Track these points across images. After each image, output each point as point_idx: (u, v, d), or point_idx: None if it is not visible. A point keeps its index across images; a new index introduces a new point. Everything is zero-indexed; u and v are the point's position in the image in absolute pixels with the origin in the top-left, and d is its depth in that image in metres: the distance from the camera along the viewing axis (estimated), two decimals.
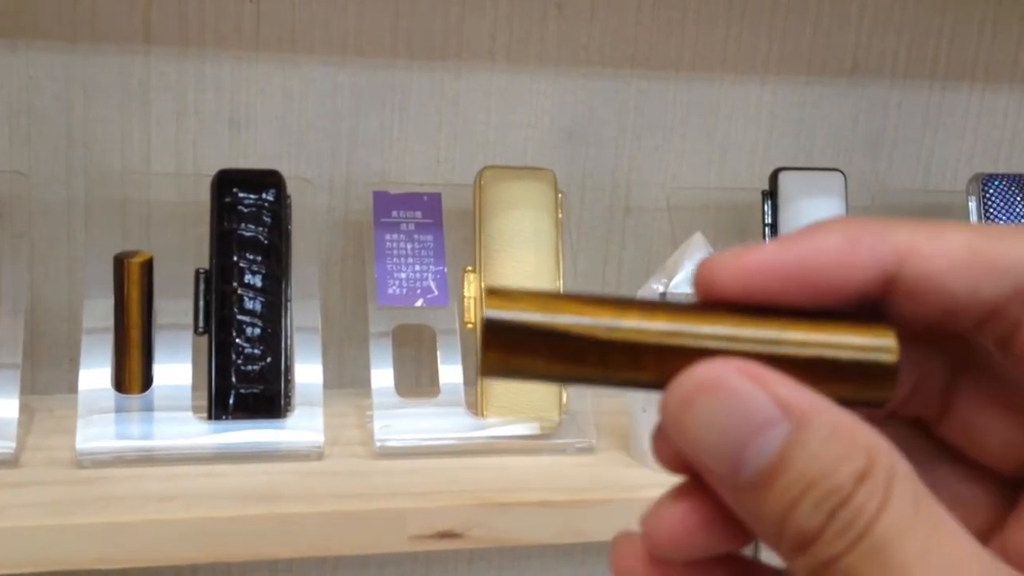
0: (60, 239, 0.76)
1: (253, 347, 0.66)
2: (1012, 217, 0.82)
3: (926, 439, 0.26)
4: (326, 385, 0.69)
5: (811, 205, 0.78)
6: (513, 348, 0.22)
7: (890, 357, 0.22)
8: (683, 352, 0.22)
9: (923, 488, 0.21)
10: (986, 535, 0.25)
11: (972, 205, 0.83)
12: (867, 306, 0.23)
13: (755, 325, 0.22)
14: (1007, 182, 0.83)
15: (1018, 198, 0.83)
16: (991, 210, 0.82)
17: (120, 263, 0.65)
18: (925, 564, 0.20)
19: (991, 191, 0.82)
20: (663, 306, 0.23)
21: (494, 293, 0.22)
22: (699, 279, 0.23)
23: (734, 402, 0.21)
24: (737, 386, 0.21)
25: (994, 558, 0.21)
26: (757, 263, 0.23)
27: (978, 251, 0.22)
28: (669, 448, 0.23)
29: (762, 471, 0.21)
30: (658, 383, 0.22)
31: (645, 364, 0.22)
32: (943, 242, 0.22)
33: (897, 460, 0.21)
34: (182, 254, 0.70)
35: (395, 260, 0.73)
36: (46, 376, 0.77)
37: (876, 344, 0.22)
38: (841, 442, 0.21)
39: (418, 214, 0.74)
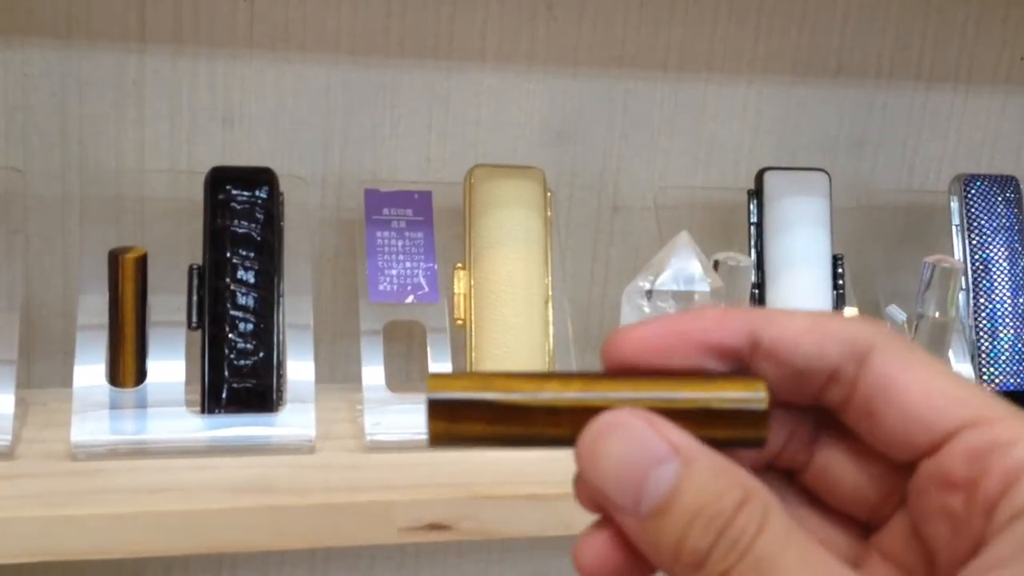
0: (55, 235, 0.76)
1: (246, 342, 0.67)
2: (993, 216, 0.83)
3: (795, 488, 0.29)
4: (317, 380, 0.70)
5: (796, 204, 0.80)
6: (453, 419, 0.27)
7: (761, 404, 0.27)
8: (592, 410, 0.26)
9: (793, 521, 0.25)
10: None
11: (954, 205, 0.84)
12: (741, 369, 0.27)
13: (649, 385, 0.27)
14: (989, 183, 0.84)
15: (999, 198, 0.84)
16: (973, 210, 0.83)
17: (115, 258, 0.66)
18: (816, 554, 0.24)
19: (973, 191, 0.84)
20: (577, 376, 0.27)
21: (435, 377, 0.27)
22: (605, 350, 0.28)
23: (632, 441, 0.25)
24: (635, 427, 0.25)
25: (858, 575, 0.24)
26: (650, 331, 0.27)
27: (820, 323, 0.27)
28: (586, 490, 0.27)
29: (659, 501, 0.25)
30: (574, 439, 0.26)
31: (561, 423, 0.26)
32: (793, 316, 0.27)
33: (769, 496, 0.25)
34: (175, 250, 0.71)
35: (386, 257, 0.74)
36: (41, 370, 0.78)
37: (749, 396, 0.27)
38: (722, 478, 0.25)
39: (409, 212, 0.75)
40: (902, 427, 0.26)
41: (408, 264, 0.74)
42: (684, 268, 0.69)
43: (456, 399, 0.27)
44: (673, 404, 0.26)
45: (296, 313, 0.70)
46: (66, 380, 0.75)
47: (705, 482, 0.25)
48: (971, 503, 0.24)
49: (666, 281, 0.69)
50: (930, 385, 0.26)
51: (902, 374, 0.26)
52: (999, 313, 0.82)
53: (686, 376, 0.27)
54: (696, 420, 0.26)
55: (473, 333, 0.72)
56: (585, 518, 0.69)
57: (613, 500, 0.25)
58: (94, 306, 0.68)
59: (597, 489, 0.25)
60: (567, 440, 0.26)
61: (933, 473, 0.25)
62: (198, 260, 0.69)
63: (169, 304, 0.69)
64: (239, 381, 0.67)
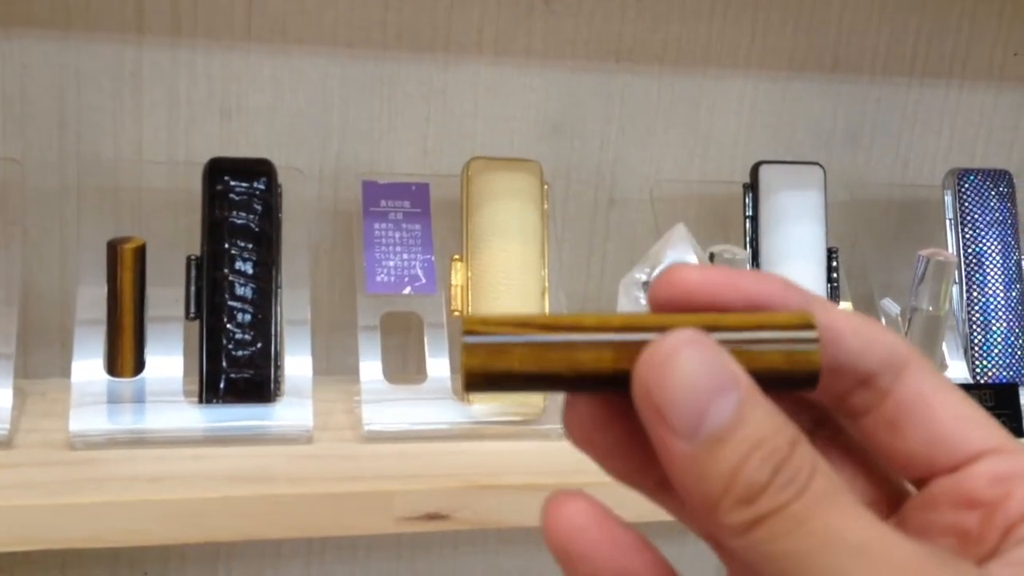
0: (52, 226, 0.77)
1: (244, 333, 0.67)
2: (986, 211, 0.84)
3: None
4: (314, 371, 0.70)
5: (791, 198, 0.80)
6: (489, 361, 0.25)
7: (814, 343, 0.25)
8: (638, 344, 0.25)
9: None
10: None
11: (948, 199, 0.85)
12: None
13: (697, 318, 0.25)
14: (982, 177, 0.85)
15: (992, 193, 0.85)
16: (966, 204, 0.84)
17: (113, 249, 0.66)
18: (864, 509, 0.24)
19: (966, 186, 0.84)
20: (616, 315, 0.26)
21: (470, 319, 0.25)
22: (657, 284, 0.26)
23: (703, 362, 0.24)
24: (707, 348, 0.24)
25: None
26: (709, 276, 0.26)
27: (868, 324, 0.27)
28: (581, 421, 0.26)
29: (720, 428, 0.23)
30: (618, 375, 0.25)
31: (605, 355, 0.25)
32: (845, 311, 0.27)
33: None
34: (173, 241, 0.71)
35: (383, 249, 0.74)
36: (38, 360, 0.78)
37: (801, 334, 0.25)
38: (776, 415, 0.24)
39: (406, 203, 0.76)
40: (926, 443, 0.26)
41: (405, 256, 0.74)
42: (680, 260, 0.70)
43: (493, 341, 0.25)
44: (720, 336, 0.25)
45: (293, 304, 0.71)
46: (63, 370, 0.75)
47: (764, 416, 0.24)
48: (989, 522, 0.25)
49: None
50: (959, 409, 0.26)
51: (934, 393, 0.26)
52: (992, 306, 0.82)
53: (733, 314, 0.26)
54: (747, 356, 0.25)
55: None
56: None
57: (672, 422, 0.24)
58: (92, 297, 0.68)
59: (656, 410, 0.24)
60: (611, 374, 0.25)
61: (950, 491, 0.26)
62: (195, 252, 0.69)
63: (166, 295, 0.69)
64: (237, 371, 0.67)
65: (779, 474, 0.23)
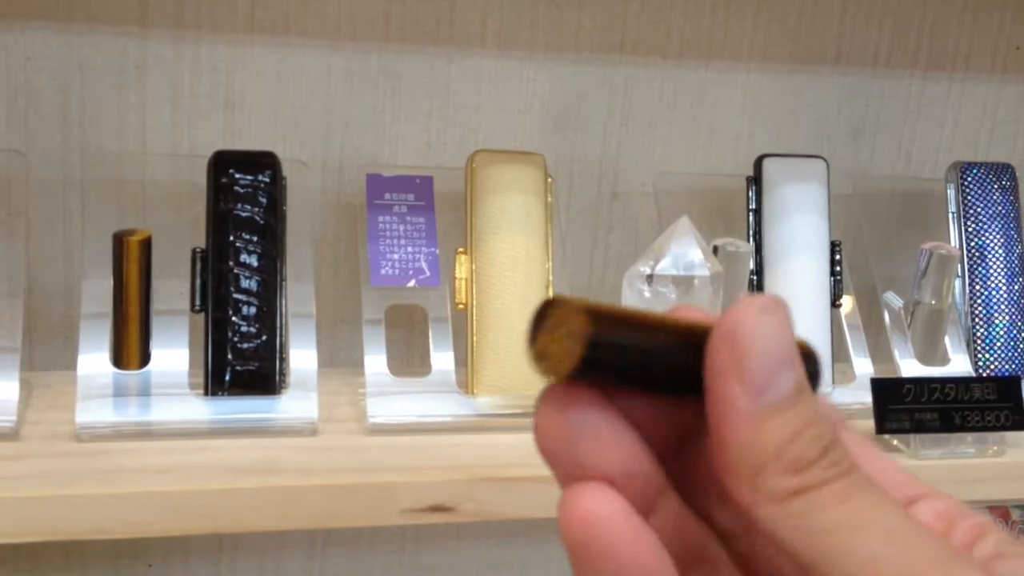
0: (56, 218, 0.77)
1: (249, 325, 0.67)
2: (989, 204, 0.84)
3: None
4: (319, 364, 0.70)
5: (794, 191, 0.80)
6: (606, 329, 0.24)
7: (814, 351, 0.28)
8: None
9: None
10: None
11: (951, 193, 0.85)
12: None
13: None
14: (985, 171, 0.85)
15: (995, 186, 0.85)
16: (969, 198, 0.84)
17: (119, 241, 0.66)
18: (897, 505, 0.25)
19: (969, 179, 0.84)
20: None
21: (586, 311, 0.24)
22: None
23: (784, 331, 0.25)
24: (788, 321, 0.25)
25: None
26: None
27: None
28: (552, 437, 0.25)
29: (783, 398, 0.24)
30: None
31: (698, 331, 0.25)
32: None
33: None
34: (177, 234, 0.71)
35: (388, 241, 0.74)
36: (42, 353, 0.78)
37: (803, 343, 0.27)
38: (821, 407, 0.26)
39: (411, 196, 0.76)
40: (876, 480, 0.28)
41: (410, 248, 0.74)
42: (684, 253, 0.70)
43: (608, 314, 0.24)
44: None
45: (298, 297, 0.71)
46: (68, 363, 0.75)
47: (814, 403, 0.25)
48: None
49: (666, 266, 0.70)
50: (891, 461, 0.29)
51: (869, 447, 0.29)
52: (994, 300, 0.83)
53: None
54: None
55: (474, 317, 0.73)
56: None
57: (746, 376, 0.24)
58: (97, 289, 0.68)
59: (736, 359, 0.24)
60: (699, 346, 0.25)
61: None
62: (199, 244, 0.69)
63: (170, 287, 0.69)
64: (242, 364, 0.67)
65: (827, 454, 0.24)
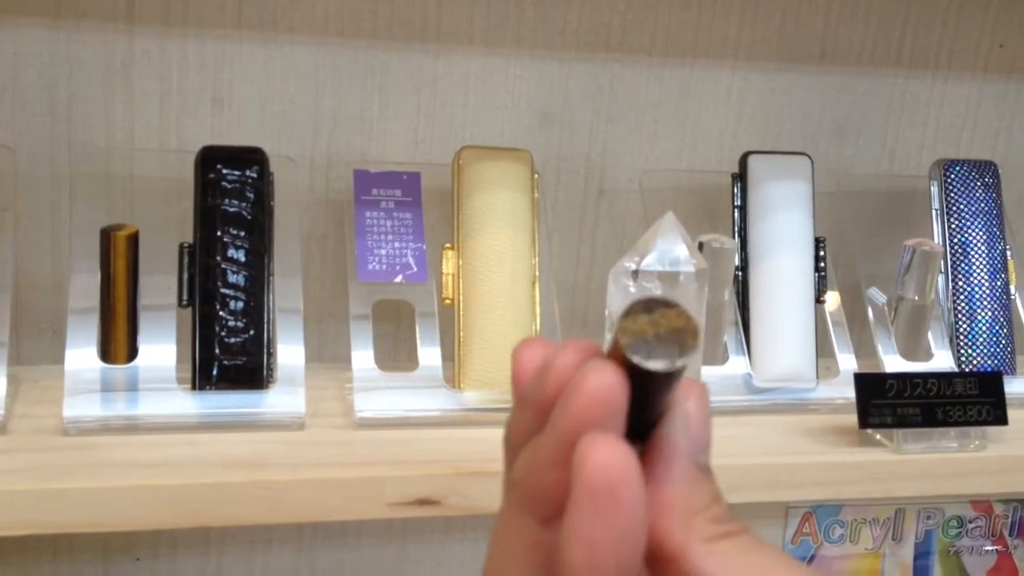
0: (44, 213, 0.77)
1: (236, 320, 0.68)
2: (972, 201, 0.85)
3: None
4: (306, 359, 0.71)
5: (779, 188, 0.81)
6: None
7: None
8: None
9: None
10: None
11: (934, 190, 0.86)
12: None
13: None
14: (968, 168, 0.86)
15: (978, 183, 0.85)
16: (952, 195, 0.85)
17: (107, 236, 0.67)
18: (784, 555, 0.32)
19: (952, 177, 0.85)
20: None
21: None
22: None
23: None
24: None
25: None
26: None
27: None
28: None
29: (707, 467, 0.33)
30: None
31: None
32: None
33: None
34: (164, 229, 0.72)
35: (375, 237, 0.75)
36: (29, 347, 0.78)
37: None
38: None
39: (398, 192, 0.76)
40: None
41: (397, 244, 0.75)
42: (670, 249, 0.70)
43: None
44: None
45: (285, 292, 0.71)
46: (55, 357, 0.76)
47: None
48: None
49: (652, 262, 0.70)
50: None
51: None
52: (977, 296, 0.83)
53: None
54: None
55: (461, 313, 0.73)
56: None
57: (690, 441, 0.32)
58: (84, 284, 0.68)
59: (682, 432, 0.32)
60: None
61: None
62: (186, 239, 0.69)
63: (157, 282, 0.69)
64: (229, 358, 0.68)
65: (731, 520, 0.31)
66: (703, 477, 0.31)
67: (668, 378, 0.29)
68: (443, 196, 0.77)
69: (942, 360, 0.81)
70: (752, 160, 0.82)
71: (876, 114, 0.92)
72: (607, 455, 0.27)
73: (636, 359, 0.28)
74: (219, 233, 0.68)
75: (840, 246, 0.87)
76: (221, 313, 0.68)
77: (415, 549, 0.90)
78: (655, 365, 0.28)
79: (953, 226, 0.84)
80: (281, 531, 0.87)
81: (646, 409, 0.30)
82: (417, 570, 0.91)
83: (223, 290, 0.68)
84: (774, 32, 0.88)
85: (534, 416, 0.31)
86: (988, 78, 0.93)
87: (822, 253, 0.81)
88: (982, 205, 0.85)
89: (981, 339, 0.83)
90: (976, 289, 0.83)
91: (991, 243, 0.84)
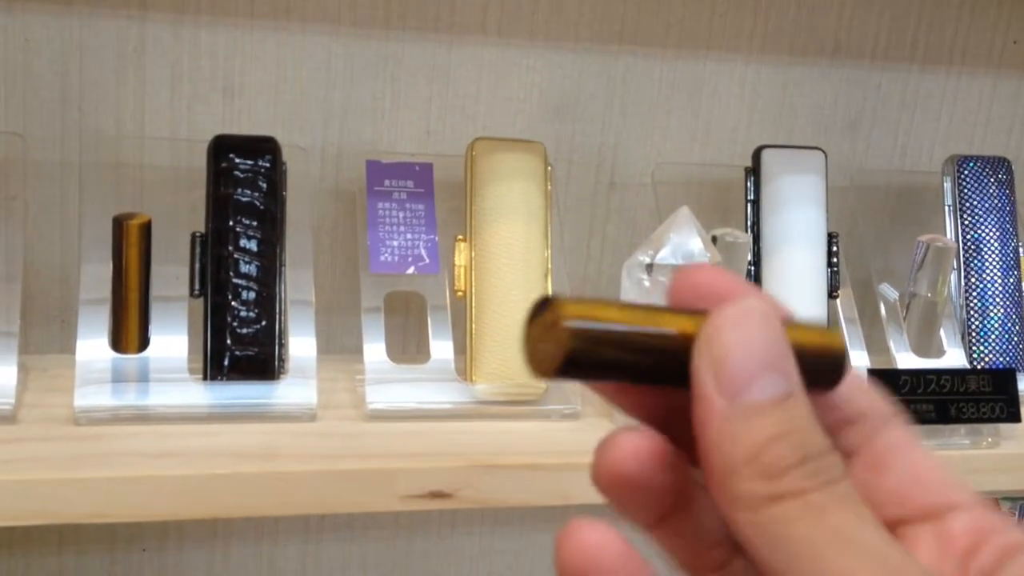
0: (53, 201, 0.76)
1: (248, 310, 0.67)
2: (985, 198, 0.84)
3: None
4: (317, 350, 0.70)
5: (793, 183, 0.81)
6: (588, 346, 0.24)
7: (840, 346, 0.27)
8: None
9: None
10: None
11: (947, 186, 0.85)
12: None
13: None
14: (981, 164, 0.85)
15: (991, 180, 0.85)
16: (965, 191, 0.85)
17: (119, 225, 0.66)
18: (882, 526, 0.24)
19: (965, 172, 0.85)
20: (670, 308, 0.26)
21: (563, 303, 0.25)
22: (678, 278, 0.27)
23: (771, 336, 0.25)
24: (777, 327, 0.25)
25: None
26: (720, 283, 0.27)
27: (858, 374, 0.28)
28: (609, 467, 0.26)
29: (764, 400, 0.24)
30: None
31: (686, 322, 0.25)
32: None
33: None
34: (175, 218, 0.71)
35: (387, 228, 0.74)
36: (38, 336, 0.78)
37: (829, 339, 0.27)
38: (815, 421, 0.25)
39: (410, 183, 0.76)
40: (908, 486, 0.27)
41: (409, 236, 0.74)
42: (684, 243, 0.70)
43: (593, 326, 0.24)
44: None
45: (297, 283, 0.71)
46: (64, 346, 0.75)
47: (805, 413, 0.24)
48: (963, 569, 0.26)
49: (666, 255, 0.70)
50: (938, 465, 0.28)
51: (914, 446, 0.28)
52: (989, 293, 0.83)
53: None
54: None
55: (473, 305, 0.73)
56: (583, 488, 0.70)
57: (721, 375, 0.24)
58: (95, 273, 0.68)
59: (712, 362, 0.24)
60: (688, 336, 0.25)
61: (924, 537, 0.27)
62: (197, 229, 0.69)
63: (168, 272, 0.69)
64: (241, 349, 0.67)
65: (808, 462, 0.23)
66: (745, 417, 0.23)
67: (584, 371, 0.25)
68: (455, 187, 0.77)
69: (954, 357, 0.81)
70: (766, 154, 0.81)
71: (889, 109, 0.91)
72: (563, 545, 0.26)
73: None
74: (231, 223, 0.68)
75: (852, 241, 0.86)
76: (233, 303, 0.67)
77: (422, 542, 0.90)
78: (546, 374, 0.25)
79: (966, 222, 0.84)
80: (288, 523, 0.86)
81: (646, 379, 0.26)
82: (424, 563, 0.91)
83: (235, 280, 0.67)
84: (788, 26, 0.87)
85: None
86: (1002, 74, 0.93)
87: (835, 248, 0.81)
88: (995, 201, 0.85)
89: (993, 336, 0.83)
90: (988, 286, 0.83)
91: (1004, 240, 0.84)
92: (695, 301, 0.26)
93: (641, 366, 0.25)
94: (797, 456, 0.23)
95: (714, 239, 0.75)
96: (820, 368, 0.26)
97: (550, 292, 0.74)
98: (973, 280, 0.83)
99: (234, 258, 0.68)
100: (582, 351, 0.24)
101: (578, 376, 0.25)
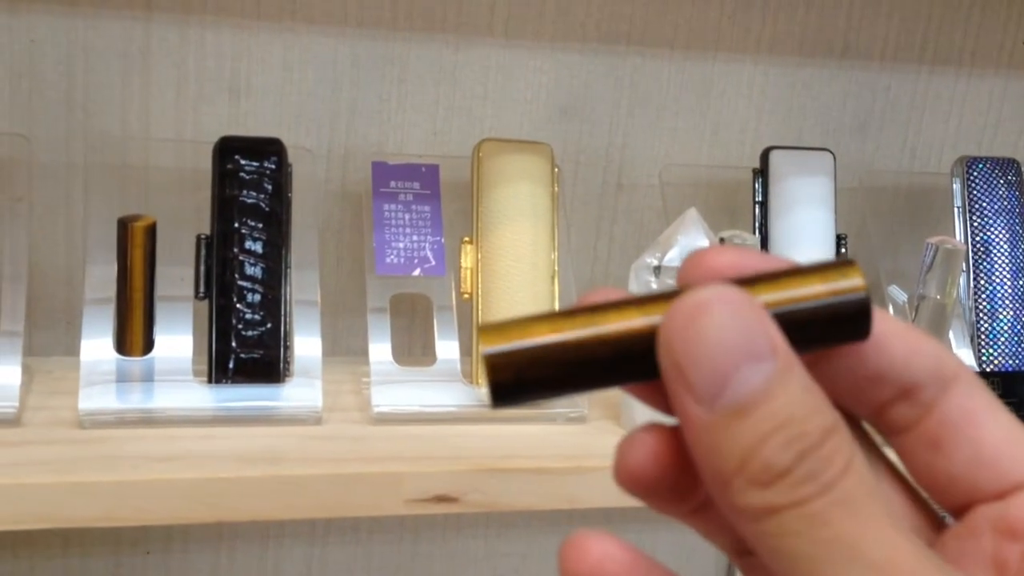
0: (58, 203, 0.76)
1: (253, 312, 0.67)
2: (995, 199, 0.84)
3: None
4: (322, 353, 0.70)
5: (801, 184, 0.80)
6: (517, 370, 0.23)
7: (860, 292, 0.23)
8: (669, 299, 0.22)
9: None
10: None
11: (956, 188, 0.85)
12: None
13: (727, 280, 0.23)
14: (990, 166, 0.85)
15: (1001, 181, 0.84)
16: (974, 193, 0.84)
17: (124, 226, 0.66)
18: (894, 523, 0.21)
19: (975, 174, 0.84)
20: (634, 298, 0.23)
21: (487, 328, 0.23)
22: (686, 267, 0.25)
23: (736, 323, 0.21)
24: (743, 309, 0.21)
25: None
26: (742, 261, 0.24)
27: (912, 332, 0.24)
28: (632, 464, 0.24)
29: (743, 400, 0.21)
30: (650, 337, 0.22)
31: (632, 317, 0.23)
32: (887, 316, 0.24)
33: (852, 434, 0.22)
34: (180, 220, 0.71)
35: (393, 230, 0.74)
36: (43, 338, 0.77)
37: (844, 284, 0.23)
38: (813, 396, 0.21)
39: (416, 185, 0.75)
40: (971, 465, 0.24)
41: (415, 237, 0.74)
42: (692, 245, 0.70)
43: (517, 348, 0.22)
44: (762, 292, 0.22)
45: (302, 285, 0.70)
46: (69, 348, 0.75)
47: (798, 393, 0.21)
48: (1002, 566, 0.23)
49: (674, 257, 0.69)
50: (1009, 431, 0.24)
51: (983, 412, 0.24)
52: (999, 295, 0.82)
53: (762, 273, 0.23)
54: (788, 318, 0.22)
55: (479, 307, 0.72)
56: (589, 492, 0.69)
57: (692, 383, 0.21)
58: (100, 274, 0.67)
59: (677, 367, 0.21)
60: (643, 336, 0.22)
61: (992, 519, 0.24)
62: (202, 230, 0.69)
63: (173, 274, 0.69)
64: (246, 351, 0.67)
65: (803, 463, 0.21)
66: (728, 420, 0.21)
67: (528, 394, 0.24)
68: (461, 189, 0.76)
69: (963, 359, 0.80)
70: (774, 155, 0.81)
71: (898, 110, 0.91)
72: (567, 560, 0.24)
73: None
74: (237, 225, 0.68)
75: (860, 243, 0.86)
76: (238, 305, 0.67)
77: (427, 545, 0.90)
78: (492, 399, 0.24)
79: (975, 224, 0.83)
80: (293, 526, 0.86)
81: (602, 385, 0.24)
82: (429, 567, 0.90)
83: (240, 282, 0.67)
84: (797, 27, 0.87)
85: None
86: (1012, 75, 0.92)
87: (843, 250, 0.80)
88: (1005, 203, 0.84)
89: (1003, 338, 0.82)
90: (998, 288, 0.83)
91: (1013, 242, 0.83)
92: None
93: (591, 374, 0.23)
94: (791, 455, 0.21)
95: (722, 241, 0.74)
96: (835, 319, 0.23)
97: (554, 295, 0.74)
98: (983, 282, 0.83)
99: (239, 260, 0.67)
100: (510, 378, 0.22)
101: (524, 398, 0.23)
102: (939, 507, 0.26)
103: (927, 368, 0.24)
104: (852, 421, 0.26)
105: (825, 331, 0.23)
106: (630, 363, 0.23)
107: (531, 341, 0.23)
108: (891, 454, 0.26)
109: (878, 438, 0.26)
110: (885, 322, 0.24)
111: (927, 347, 0.24)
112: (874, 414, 0.25)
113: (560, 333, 0.23)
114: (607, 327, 0.23)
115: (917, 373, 0.24)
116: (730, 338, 0.21)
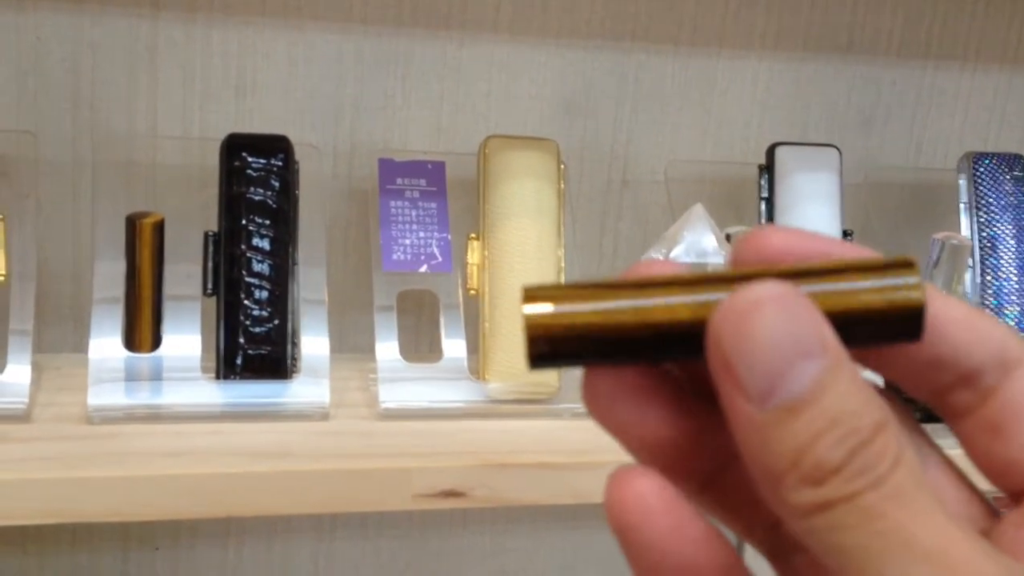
0: (65, 200, 0.76)
1: (261, 309, 0.67)
2: (1001, 195, 0.84)
3: None
4: (329, 349, 0.70)
5: (807, 180, 0.80)
6: (555, 335, 0.23)
7: (915, 292, 0.23)
8: (718, 285, 0.22)
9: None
10: None
11: (962, 183, 0.85)
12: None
13: (784, 268, 0.23)
14: (997, 161, 0.85)
15: (1007, 177, 0.84)
16: (980, 188, 0.84)
17: (132, 224, 0.66)
18: (947, 514, 0.21)
19: (981, 169, 0.84)
20: (687, 275, 0.23)
21: (529, 289, 0.23)
22: (740, 246, 0.24)
23: (789, 321, 0.21)
24: (796, 306, 0.21)
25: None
26: (804, 244, 0.24)
27: (975, 315, 0.24)
28: (600, 392, 0.24)
29: (795, 398, 0.21)
30: (694, 331, 0.22)
31: (680, 309, 0.22)
32: (950, 299, 0.24)
33: (901, 429, 0.22)
34: (187, 217, 0.71)
35: (400, 227, 0.74)
36: (52, 335, 0.78)
37: (898, 281, 0.22)
38: (863, 392, 0.22)
39: (422, 182, 0.75)
40: None
41: (422, 234, 0.74)
42: (698, 240, 0.70)
43: (556, 317, 0.22)
44: (812, 284, 0.22)
45: (309, 282, 0.70)
46: (77, 345, 0.75)
47: (849, 389, 0.21)
48: None
49: (680, 253, 0.70)
50: None
51: None
52: (1005, 290, 0.83)
53: (820, 262, 0.23)
54: (837, 301, 0.22)
55: (486, 303, 0.73)
56: (595, 487, 0.69)
57: (743, 383, 0.21)
58: (108, 272, 0.68)
59: (728, 366, 0.22)
60: (685, 333, 0.22)
61: None
62: (209, 227, 0.69)
63: (181, 271, 0.69)
64: (254, 348, 0.67)
65: (855, 458, 0.21)
66: (780, 419, 0.21)
67: (566, 360, 0.24)
68: (467, 186, 0.76)
69: None
70: (780, 151, 0.81)
71: (903, 106, 0.91)
72: (612, 496, 0.23)
73: None
74: (244, 221, 0.68)
75: (866, 239, 0.86)
76: (246, 302, 0.67)
77: (435, 541, 0.90)
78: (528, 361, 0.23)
79: (982, 220, 0.84)
80: (300, 522, 0.86)
81: (646, 359, 0.24)
82: (436, 562, 0.90)
83: (248, 279, 0.67)
84: (801, 22, 0.87)
85: None
86: (1017, 70, 0.92)
87: None
88: (1011, 199, 0.84)
89: None
90: (1004, 284, 0.83)
91: (1020, 237, 0.83)
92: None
93: (629, 353, 0.23)
94: (843, 452, 0.21)
95: (728, 237, 0.74)
96: (888, 320, 0.22)
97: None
98: (989, 278, 0.83)
99: (247, 257, 0.68)
100: (546, 338, 0.22)
101: (559, 365, 0.23)
102: (999, 491, 0.25)
103: (989, 354, 0.24)
104: (905, 412, 0.25)
105: (877, 331, 0.23)
106: (670, 347, 0.23)
107: (571, 313, 0.22)
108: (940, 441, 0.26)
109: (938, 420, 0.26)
110: (946, 308, 0.24)
111: (991, 332, 0.24)
112: (934, 397, 0.25)
113: (603, 308, 0.22)
114: (652, 311, 0.22)
115: (978, 360, 0.24)
116: (782, 337, 0.21)
